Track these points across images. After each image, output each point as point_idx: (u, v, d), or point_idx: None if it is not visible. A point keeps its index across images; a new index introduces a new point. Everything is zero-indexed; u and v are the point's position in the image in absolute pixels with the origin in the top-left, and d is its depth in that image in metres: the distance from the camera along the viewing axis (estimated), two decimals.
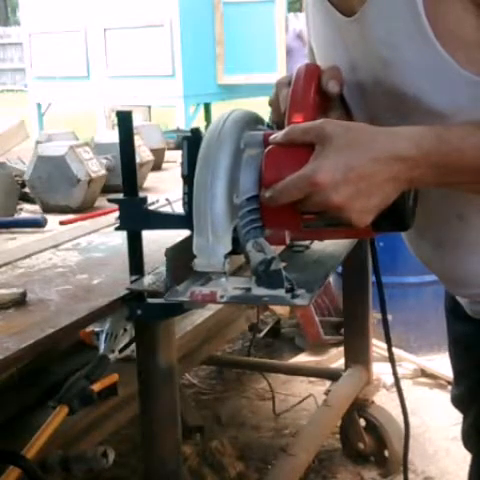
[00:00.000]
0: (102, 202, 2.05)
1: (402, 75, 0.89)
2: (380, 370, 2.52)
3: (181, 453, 1.44)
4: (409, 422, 1.59)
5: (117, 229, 1.19)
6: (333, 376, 2.38)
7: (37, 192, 2.08)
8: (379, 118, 0.94)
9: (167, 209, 1.19)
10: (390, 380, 2.66)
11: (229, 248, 0.94)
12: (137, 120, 3.22)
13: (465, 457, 1.21)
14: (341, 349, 2.53)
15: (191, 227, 0.95)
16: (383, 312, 1.41)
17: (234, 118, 0.95)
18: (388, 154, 0.82)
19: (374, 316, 2.31)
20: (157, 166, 2.60)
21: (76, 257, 1.54)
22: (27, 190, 2.15)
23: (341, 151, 0.82)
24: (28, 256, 1.55)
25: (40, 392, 1.58)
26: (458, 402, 1.21)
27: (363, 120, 0.93)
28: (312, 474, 2.32)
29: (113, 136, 2.20)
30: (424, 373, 2.92)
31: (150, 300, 1.19)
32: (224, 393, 2.88)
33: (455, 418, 1.32)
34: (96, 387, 1.48)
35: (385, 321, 1.40)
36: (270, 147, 0.90)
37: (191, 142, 1.00)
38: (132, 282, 1.22)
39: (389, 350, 1.49)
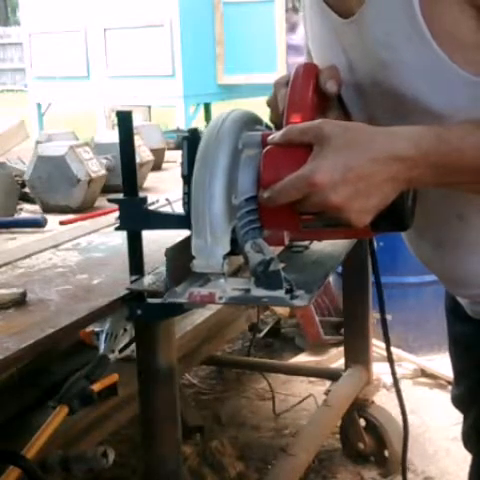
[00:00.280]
0: (102, 202, 2.05)
1: (400, 76, 0.89)
2: (380, 370, 2.52)
3: (181, 453, 1.44)
4: (408, 422, 1.59)
5: (117, 229, 1.19)
6: (333, 376, 2.38)
7: (37, 192, 2.08)
8: (377, 118, 0.94)
9: (167, 209, 1.19)
10: (390, 380, 2.65)
11: (228, 249, 0.93)
12: (137, 120, 3.22)
13: (465, 457, 1.21)
14: (341, 349, 2.53)
15: (191, 227, 0.95)
16: (382, 312, 1.41)
17: (232, 118, 0.95)
18: (387, 154, 0.82)
19: (374, 316, 2.31)
20: (157, 166, 2.60)
21: (76, 257, 1.54)
22: (27, 190, 2.15)
23: (339, 151, 0.82)
24: (28, 256, 1.55)
25: (40, 392, 1.59)
26: (458, 402, 1.21)
27: (361, 120, 0.93)
28: (312, 474, 2.32)
29: (113, 136, 2.20)
30: (424, 373, 2.92)
31: (150, 300, 1.19)
32: (224, 393, 2.88)
33: (455, 418, 1.32)
34: (96, 387, 1.48)
35: (384, 321, 1.40)
36: (268, 147, 0.90)
37: (191, 142, 1.00)
38: (132, 282, 1.22)
39: (388, 350, 1.49)
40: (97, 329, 1.68)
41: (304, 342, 3.13)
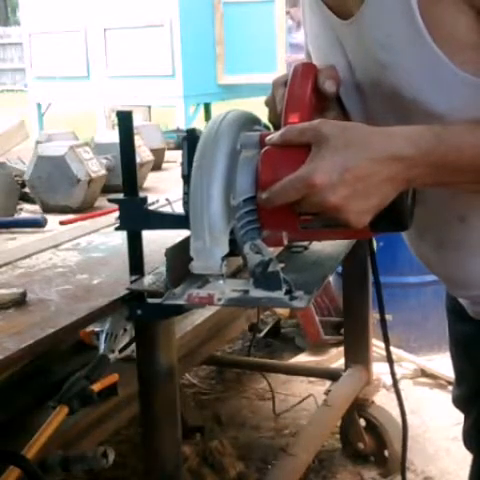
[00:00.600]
0: (102, 202, 2.05)
1: (400, 77, 0.89)
2: (380, 370, 2.52)
3: (181, 453, 1.44)
4: (407, 422, 1.59)
5: (117, 229, 1.19)
6: (333, 376, 2.38)
7: (37, 192, 2.09)
8: (377, 119, 0.94)
9: (167, 209, 1.19)
10: (390, 380, 2.66)
11: (226, 250, 0.93)
12: (137, 120, 3.22)
13: (465, 457, 1.21)
14: (341, 349, 2.53)
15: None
16: (381, 312, 1.41)
17: (230, 119, 0.95)
18: (385, 154, 0.82)
19: (374, 316, 2.31)
20: (157, 166, 2.60)
21: (76, 257, 1.54)
22: (27, 190, 2.15)
23: (338, 151, 0.82)
24: (28, 256, 1.55)
25: (40, 392, 1.58)
26: (459, 402, 1.21)
27: (360, 121, 0.93)
28: (312, 474, 2.32)
29: (113, 136, 2.20)
30: (424, 373, 2.92)
31: (150, 300, 1.19)
32: (224, 393, 2.88)
33: (455, 418, 1.32)
34: (96, 387, 1.48)
35: (383, 321, 1.40)
36: (266, 148, 0.90)
37: (191, 142, 1.00)
38: (132, 282, 1.22)
39: (387, 350, 1.49)
40: (97, 329, 1.68)
41: (304, 342, 3.13)
